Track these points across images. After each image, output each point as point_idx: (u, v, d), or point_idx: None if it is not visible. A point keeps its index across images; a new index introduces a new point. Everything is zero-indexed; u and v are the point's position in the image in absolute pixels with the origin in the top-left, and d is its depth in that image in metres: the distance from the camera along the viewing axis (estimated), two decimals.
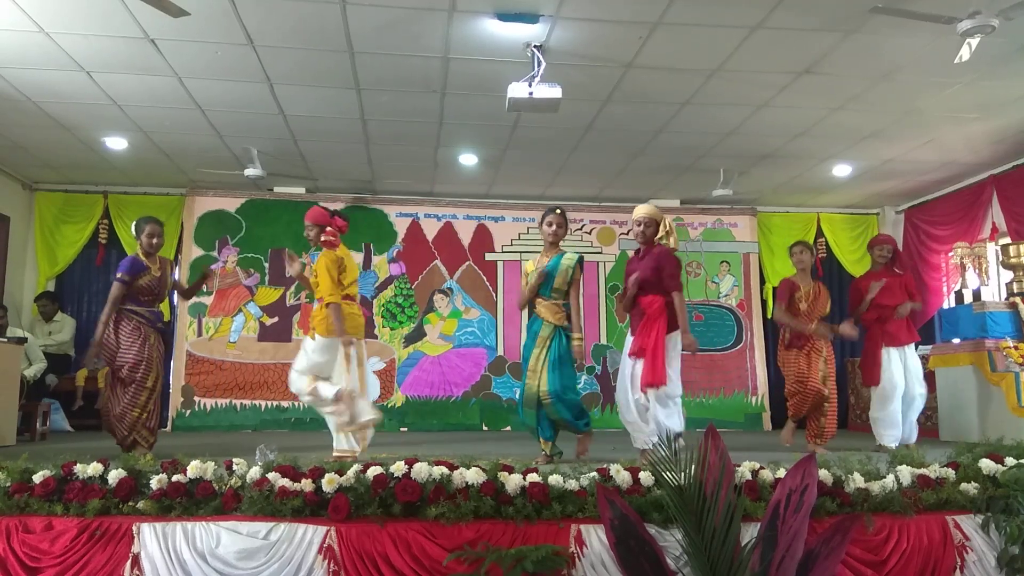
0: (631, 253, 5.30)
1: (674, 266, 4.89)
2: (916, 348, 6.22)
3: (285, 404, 8.43)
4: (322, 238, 5.01)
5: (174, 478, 3.31)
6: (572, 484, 3.35)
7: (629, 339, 5.07)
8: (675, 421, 4.75)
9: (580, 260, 4.99)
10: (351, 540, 3.16)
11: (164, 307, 6.38)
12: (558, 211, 4.98)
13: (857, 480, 3.46)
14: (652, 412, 4.76)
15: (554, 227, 4.93)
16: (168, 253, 7.80)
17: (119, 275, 5.24)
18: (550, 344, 4.85)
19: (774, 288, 7.80)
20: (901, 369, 6.01)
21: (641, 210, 5.07)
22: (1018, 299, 7.14)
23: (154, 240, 5.40)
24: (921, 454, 3.97)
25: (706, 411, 8.83)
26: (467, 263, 9.20)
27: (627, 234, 9.45)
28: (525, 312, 5.70)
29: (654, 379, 4.71)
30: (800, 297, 5.94)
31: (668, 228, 5.01)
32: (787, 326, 5.97)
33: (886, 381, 6.00)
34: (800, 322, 5.88)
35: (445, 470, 3.31)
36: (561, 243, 5.05)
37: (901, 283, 6.11)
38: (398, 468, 3.29)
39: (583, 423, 4.91)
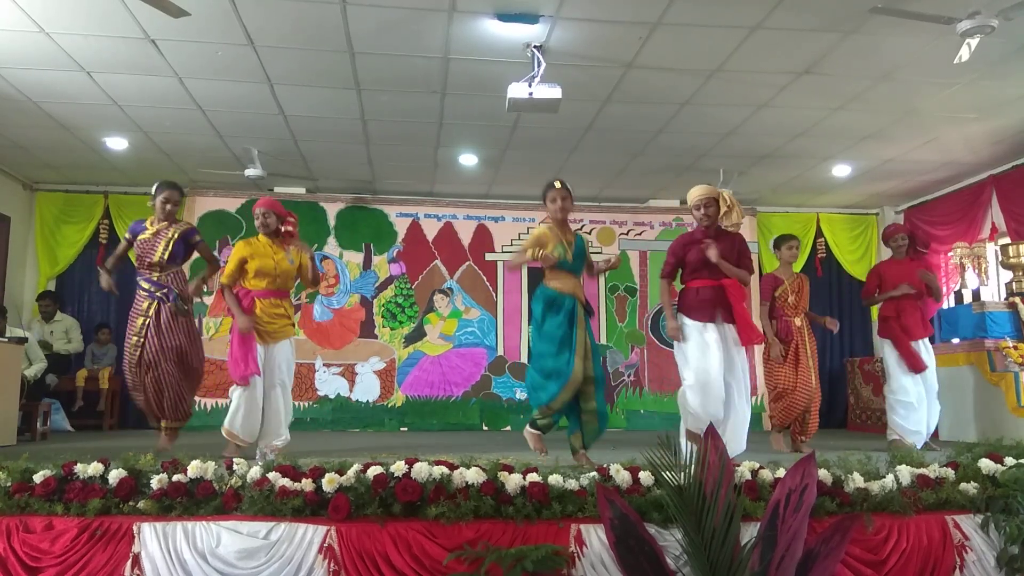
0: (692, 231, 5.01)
1: (750, 252, 4.93)
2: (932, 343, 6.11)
3: None
4: (284, 228, 5.05)
5: (174, 478, 3.31)
6: (572, 484, 3.35)
7: (689, 322, 4.76)
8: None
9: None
10: (351, 540, 3.16)
11: None
12: (558, 184, 4.55)
13: (857, 480, 3.46)
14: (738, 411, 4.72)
15: (559, 202, 4.54)
16: None
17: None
18: (587, 324, 4.48)
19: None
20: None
21: (697, 192, 4.83)
22: (1017, 299, 7.14)
23: (168, 207, 5.21)
24: (920, 454, 3.97)
25: None
26: (467, 263, 9.21)
27: (627, 234, 9.46)
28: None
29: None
30: (785, 291, 5.88)
31: (729, 202, 4.72)
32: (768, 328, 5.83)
33: (903, 374, 5.88)
34: (775, 324, 5.88)
35: (445, 470, 3.32)
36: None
37: (922, 270, 6.01)
38: (398, 468, 3.29)
39: (603, 425, 4.46)
